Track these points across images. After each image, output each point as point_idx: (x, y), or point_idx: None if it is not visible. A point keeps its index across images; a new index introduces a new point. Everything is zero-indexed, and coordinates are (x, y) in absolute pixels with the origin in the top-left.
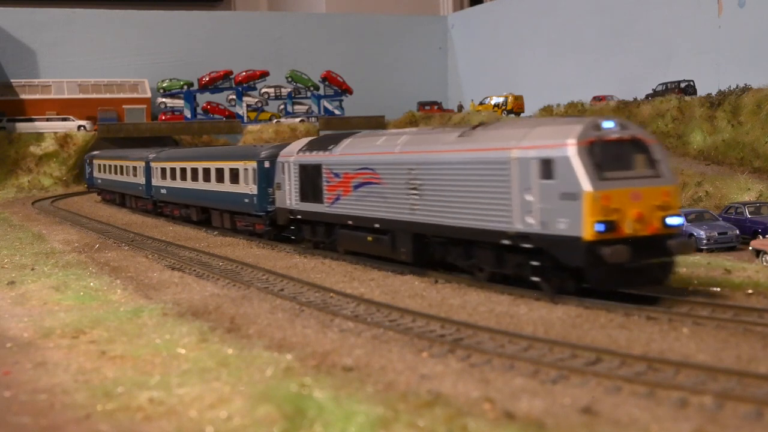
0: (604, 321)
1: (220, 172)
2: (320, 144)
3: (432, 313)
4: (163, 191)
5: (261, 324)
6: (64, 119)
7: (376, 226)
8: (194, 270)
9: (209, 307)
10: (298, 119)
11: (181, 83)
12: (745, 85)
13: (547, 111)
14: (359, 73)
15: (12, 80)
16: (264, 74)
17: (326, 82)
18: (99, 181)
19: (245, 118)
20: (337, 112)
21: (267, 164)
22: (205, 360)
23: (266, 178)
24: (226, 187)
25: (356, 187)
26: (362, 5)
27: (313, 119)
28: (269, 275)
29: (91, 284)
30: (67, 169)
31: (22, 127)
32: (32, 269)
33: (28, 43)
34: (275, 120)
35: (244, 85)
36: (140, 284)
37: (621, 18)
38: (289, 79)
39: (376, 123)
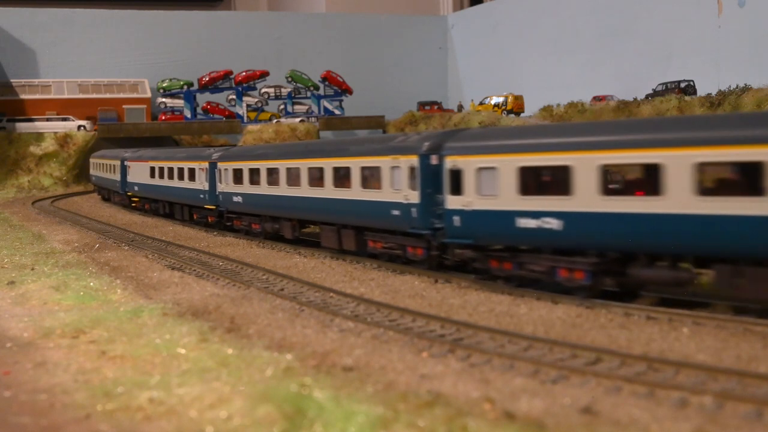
0: (604, 321)
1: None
2: None
3: (432, 313)
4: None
5: (261, 324)
6: (64, 119)
7: None
8: (194, 270)
9: (209, 307)
10: (298, 119)
11: (181, 83)
12: (745, 85)
13: (547, 111)
14: (359, 73)
15: (12, 80)
16: (264, 74)
17: (326, 82)
18: (237, 199)
19: (245, 118)
20: (337, 112)
21: None
22: (205, 360)
23: None
24: None
25: None
26: (362, 5)
27: (313, 119)
28: (269, 275)
29: (91, 284)
30: (67, 169)
31: (22, 127)
32: (32, 269)
33: (28, 43)
34: (275, 120)
35: (244, 85)
36: (140, 284)
37: (621, 18)
38: (289, 79)
39: (376, 123)
